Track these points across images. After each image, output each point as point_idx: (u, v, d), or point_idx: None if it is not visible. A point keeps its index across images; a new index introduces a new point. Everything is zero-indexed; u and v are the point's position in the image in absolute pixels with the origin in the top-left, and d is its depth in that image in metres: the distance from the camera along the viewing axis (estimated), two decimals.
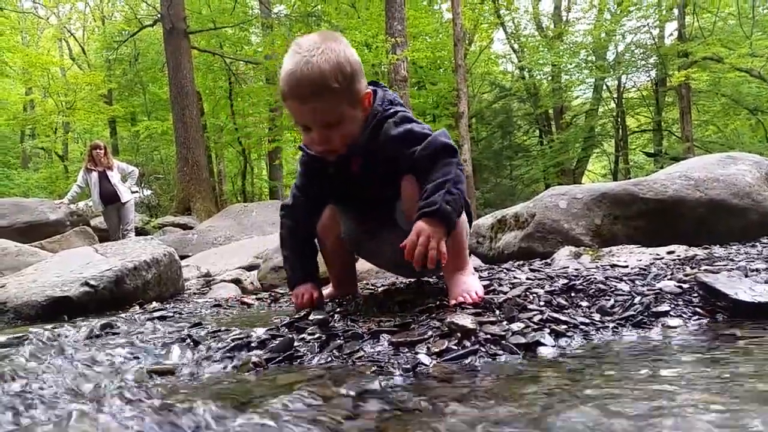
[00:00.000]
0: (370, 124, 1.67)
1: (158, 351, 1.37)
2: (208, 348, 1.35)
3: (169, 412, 0.90)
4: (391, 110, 1.71)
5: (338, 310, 1.69)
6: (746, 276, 1.63)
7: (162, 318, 1.95)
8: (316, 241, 1.96)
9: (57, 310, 2.40)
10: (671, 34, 18.97)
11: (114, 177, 8.11)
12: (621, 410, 0.79)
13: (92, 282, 2.53)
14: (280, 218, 1.96)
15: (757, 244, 2.68)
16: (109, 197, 8.09)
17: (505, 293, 1.58)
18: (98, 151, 8.11)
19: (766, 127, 17.24)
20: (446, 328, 1.30)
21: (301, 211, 1.90)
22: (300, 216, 1.91)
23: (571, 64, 19.59)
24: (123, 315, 2.19)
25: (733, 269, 1.78)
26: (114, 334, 1.63)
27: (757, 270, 1.74)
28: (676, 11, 17.43)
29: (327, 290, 2.08)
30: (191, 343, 1.40)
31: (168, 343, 1.42)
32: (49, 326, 1.70)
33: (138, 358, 1.33)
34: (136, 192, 11.24)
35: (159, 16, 15.14)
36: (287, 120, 20.62)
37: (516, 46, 22.77)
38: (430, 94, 19.90)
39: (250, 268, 4.17)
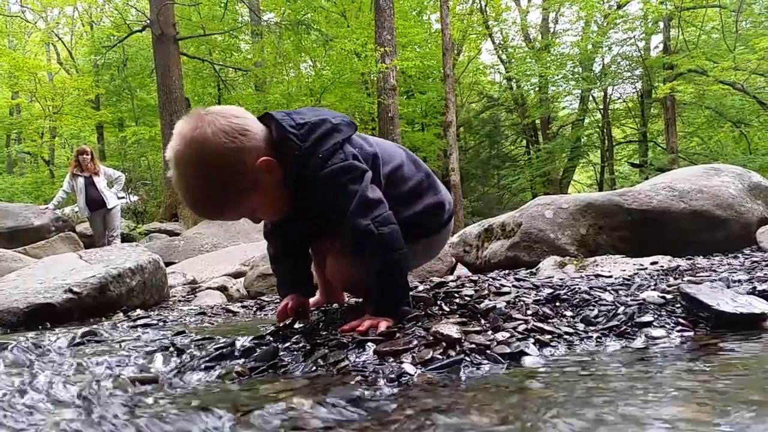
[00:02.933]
0: (293, 175, 1.51)
1: (141, 359, 1.36)
2: (191, 356, 1.34)
3: (150, 421, 0.89)
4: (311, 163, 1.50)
5: (323, 318, 1.68)
6: (728, 287, 1.65)
7: (146, 326, 1.93)
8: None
9: (39, 317, 2.38)
10: (657, 47, 19.26)
11: (100, 183, 8.04)
12: (604, 420, 0.80)
13: (76, 289, 2.51)
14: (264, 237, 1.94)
15: (739, 255, 2.72)
16: (95, 203, 8.02)
17: (492, 302, 1.59)
18: (85, 156, 8.05)
19: (749, 140, 17.48)
20: (431, 338, 1.30)
21: (277, 235, 1.86)
22: (278, 238, 1.86)
23: (558, 75, 19.78)
24: (106, 322, 2.17)
25: (715, 280, 1.80)
26: (97, 341, 1.61)
27: (739, 281, 1.76)
28: (661, 24, 17.69)
29: (314, 298, 2.08)
30: (175, 352, 1.38)
31: (151, 351, 1.41)
32: (30, 334, 1.68)
33: (120, 366, 1.32)
34: (123, 198, 11.16)
35: (148, 21, 15.08)
36: None
37: (504, 57, 22.96)
38: (418, 103, 19.99)
39: (236, 275, 4.15)
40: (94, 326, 1.87)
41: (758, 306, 1.36)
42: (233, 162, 1.42)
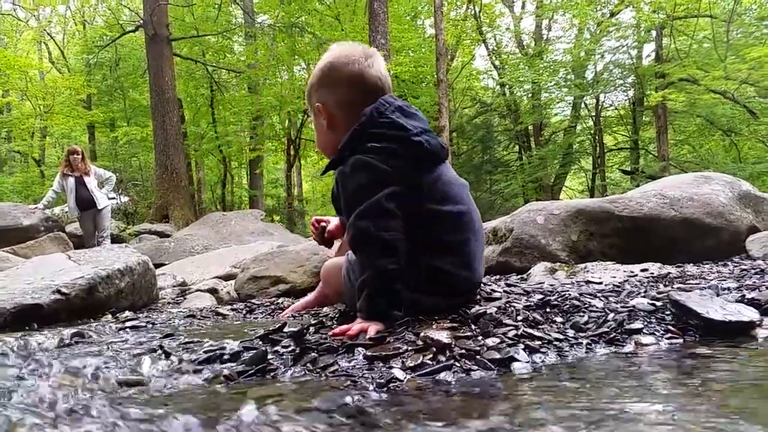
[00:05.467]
0: (343, 148, 1.61)
1: (129, 361, 1.35)
2: (179, 360, 1.33)
3: (137, 424, 0.88)
4: (352, 149, 1.57)
5: (313, 322, 1.68)
6: (718, 295, 1.66)
7: (134, 328, 1.92)
8: None
9: (27, 318, 2.35)
10: (649, 55, 19.37)
11: (91, 183, 7.99)
12: (593, 427, 0.79)
13: (64, 290, 2.49)
14: None
15: (729, 263, 2.73)
16: (86, 203, 7.97)
17: (482, 308, 1.59)
18: (75, 156, 7.99)
19: (738, 148, 17.62)
20: (421, 343, 1.30)
21: None
22: None
23: (550, 81, 19.85)
24: (95, 324, 2.15)
25: (705, 288, 1.81)
26: (84, 343, 1.60)
27: (728, 289, 1.77)
28: (654, 33, 17.82)
29: (312, 295, 2.10)
30: (162, 355, 1.37)
31: (139, 353, 1.39)
32: (17, 334, 1.66)
33: (108, 368, 1.30)
34: (113, 198, 11.09)
35: (141, 21, 15.05)
36: (269, 129, 20.62)
37: (497, 63, 23.03)
38: None
39: (227, 277, 4.13)
40: (82, 328, 1.85)
41: (747, 314, 1.37)
42: (323, 81, 1.70)
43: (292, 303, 2.32)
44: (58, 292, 2.47)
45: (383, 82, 1.67)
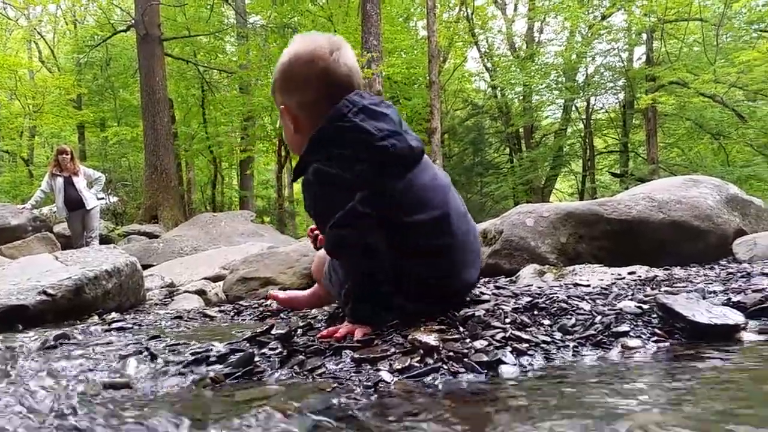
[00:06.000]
0: (305, 154, 1.52)
1: (114, 363, 1.34)
2: (165, 362, 1.32)
3: (121, 427, 0.87)
4: (312, 158, 1.49)
5: (301, 324, 1.67)
6: (704, 298, 1.67)
7: (120, 329, 1.90)
8: None
9: (12, 319, 2.32)
10: (639, 58, 19.53)
11: (80, 183, 7.94)
12: (578, 430, 0.79)
13: (50, 290, 2.46)
14: None
15: (716, 266, 2.75)
16: (74, 203, 7.91)
17: (471, 310, 1.59)
18: (64, 156, 7.94)
19: (727, 152, 17.76)
20: (409, 345, 1.30)
21: None
22: None
23: (541, 84, 19.95)
24: (81, 325, 2.13)
25: (691, 291, 1.82)
26: (70, 345, 1.58)
27: (714, 292, 1.78)
28: (644, 36, 17.95)
29: (306, 293, 2.09)
30: (148, 356, 1.36)
31: (125, 355, 1.38)
32: (0, 336, 1.64)
33: (93, 370, 1.29)
34: (102, 199, 11.01)
35: (133, 21, 14.96)
36: (260, 130, 20.56)
37: (489, 65, 23.10)
38: (404, 110, 20.03)
39: (216, 279, 4.11)
40: (68, 329, 1.84)
41: (732, 317, 1.37)
42: (285, 78, 1.58)
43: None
44: (44, 293, 2.44)
45: (350, 77, 1.55)
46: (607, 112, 21.94)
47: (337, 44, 1.56)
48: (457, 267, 1.61)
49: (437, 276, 1.57)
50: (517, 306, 1.64)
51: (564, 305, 1.63)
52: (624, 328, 1.42)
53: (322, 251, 1.85)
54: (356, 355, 1.27)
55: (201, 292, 3.46)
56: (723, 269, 2.56)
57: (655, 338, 1.38)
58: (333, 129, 1.46)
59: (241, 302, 2.94)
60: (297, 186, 30.34)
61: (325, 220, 1.48)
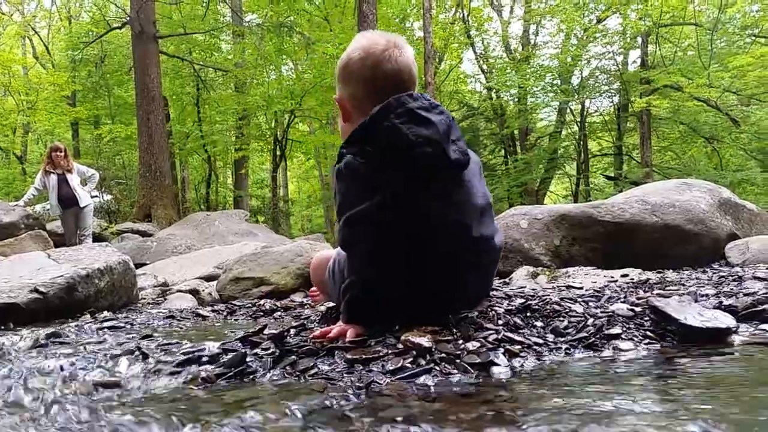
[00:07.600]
0: (344, 145, 1.54)
1: (106, 363, 1.33)
2: (157, 361, 1.32)
3: (112, 427, 0.87)
4: (348, 150, 1.51)
5: (294, 324, 1.67)
6: (696, 301, 1.68)
7: (112, 328, 1.90)
8: None
9: (3, 317, 2.31)
10: (634, 62, 19.59)
11: (73, 180, 7.89)
12: (569, 431, 0.80)
13: (42, 289, 2.45)
14: None
15: (708, 269, 2.76)
16: (68, 201, 7.87)
17: (464, 311, 1.59)
18: (58, 153, 7.89)
19: (720, 156, 17.86)
20: (402, 346, 1.30)
21: None
22: None
23: (537, 86, 19.99)
24: (73, 324, 2.12)
25: (683, 294, 1.82)
26: (61, 343, 1.58)
27: (706, 295, 1.79)
28: (639, 40, 18.02)
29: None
30: (140, 356, 1.36)
31: (116, 354, 1.38)
32: None
33: (84, 369, 1.29)
34: (96, 196, 10.96)
35: (128, 18, 14.90)
36: (255, 129, 20.53)
37: (484, 67, 23.12)
38: None
39: (209, 278, 4.10)
40: (59, 328, 1.83)
41: (724, 321, 1.38)
42: (343, 74, 1.62)
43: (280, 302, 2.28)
44: (36, 291, 2.43)
45: (402, 77, 1.55)
46: (601, 115, 22.00)
47: (394, 44, 1.57)
48: (462, 276, 1.59)
49: (438, 285, 1.55)
50: (510, 308, 1.64)
51: (557, 307, 1.63)
52: (616, 330, 1.43)
53: (320, 254, 1.86)
54: (349, 356, 1.27)
55: (194, 292, 3.45)
56: (715, 273, 2.57)
57: (647, 341, 1.38)
58: (372, 126, 1.46)
59: (234, 302, 2.93)
60: (292, 186, 30.28)
61: (341, 213, 1.51)
